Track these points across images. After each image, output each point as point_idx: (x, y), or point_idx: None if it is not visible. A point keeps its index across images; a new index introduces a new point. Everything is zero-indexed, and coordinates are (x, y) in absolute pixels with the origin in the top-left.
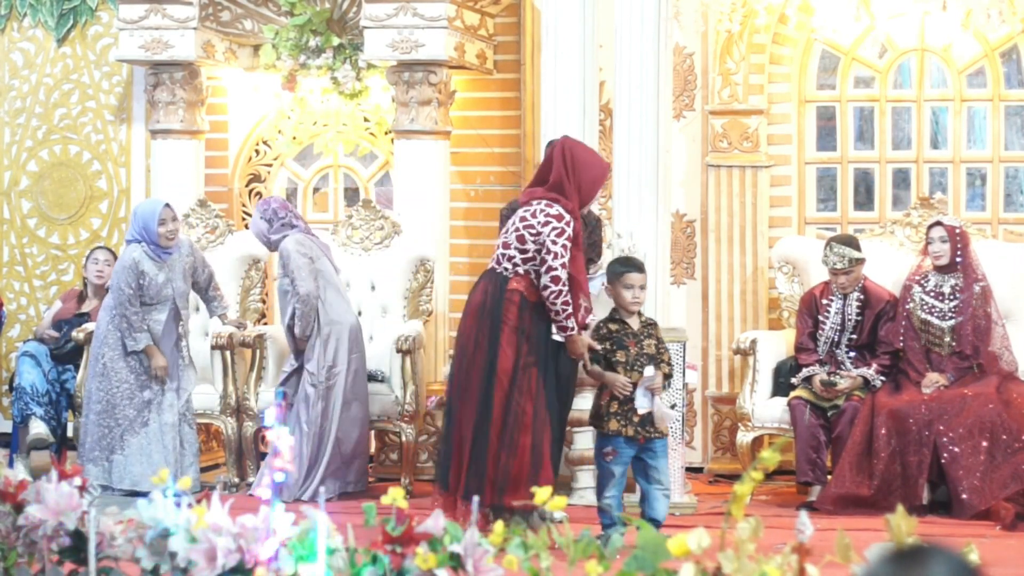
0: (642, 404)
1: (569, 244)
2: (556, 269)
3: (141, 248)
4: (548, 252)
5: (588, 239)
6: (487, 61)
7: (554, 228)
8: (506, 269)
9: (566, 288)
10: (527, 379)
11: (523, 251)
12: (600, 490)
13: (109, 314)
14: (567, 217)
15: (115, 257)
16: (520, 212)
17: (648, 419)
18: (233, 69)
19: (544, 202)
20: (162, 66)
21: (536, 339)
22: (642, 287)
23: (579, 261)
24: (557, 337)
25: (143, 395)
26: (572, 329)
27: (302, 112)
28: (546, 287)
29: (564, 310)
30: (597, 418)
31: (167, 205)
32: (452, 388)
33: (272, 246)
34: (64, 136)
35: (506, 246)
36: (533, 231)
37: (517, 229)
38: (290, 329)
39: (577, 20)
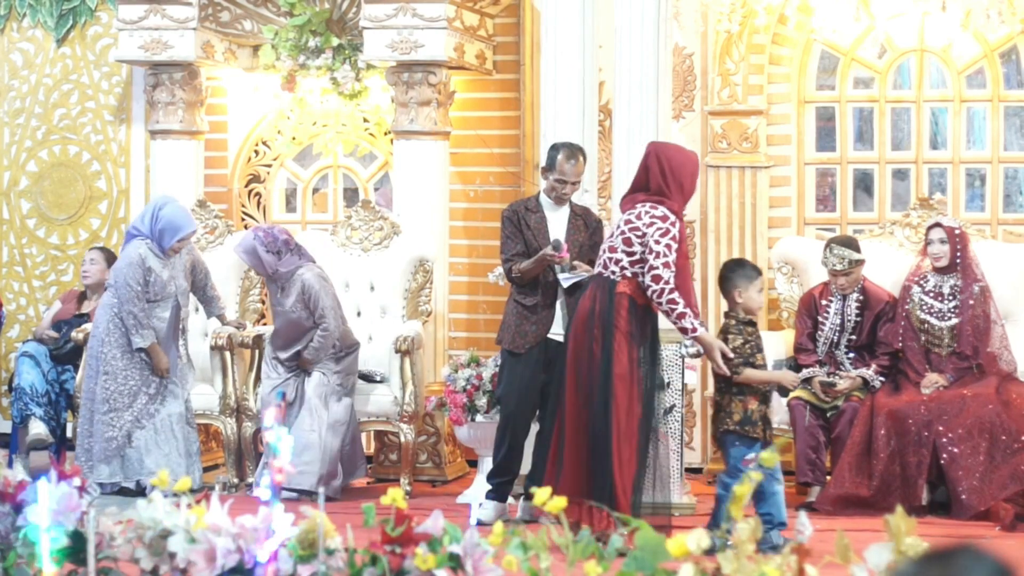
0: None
1: (674, 244)
2: (657, 268)
3: (146, 244)
4: (651, 252)
5: (589, 240)
6: (486, 62)
7: (658, 228)
8: (613, 273)
9: (669, 286)
10: (640, 382)
11: (630, 254)
12: (731, 495)
13: (109, 312)
14: (672, 218)
15: (104, 256)
16: (624, 216)
17: (769, 420)
18: (232, 69)
19: (649, 204)
20: (161, 66)
21: (645, 342)
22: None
23: (685, 269)
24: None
25: (148, 389)
26: (692, 329)
27: (301, 112)
28: (648, 287)
29: (672, 308)
30: (750, 424)
31: (195, 231)
32: (567, 395)
33: (279, 278)
34: (63, 136)
35: (612, 250)
36: (639, 233)
37: (623, 232)
38: (290, 350)
39: (576, 21)
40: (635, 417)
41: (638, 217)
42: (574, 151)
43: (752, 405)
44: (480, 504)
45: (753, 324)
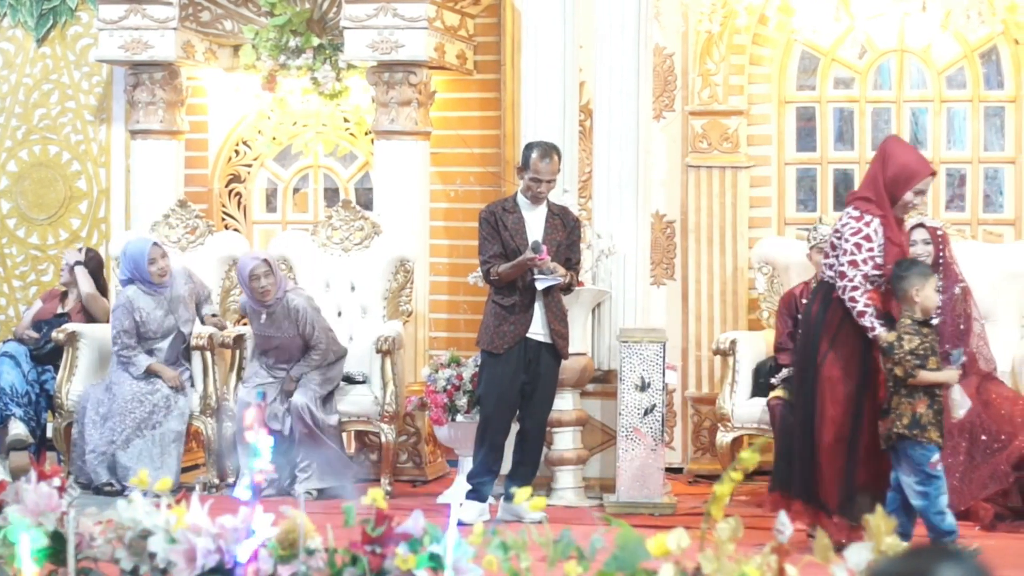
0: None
1: (864, 244)
2: (843, 265)
3: (135, 287)
4: (840, 250)
5: (567, 239)
6: (467, 62)
7: (850, 227)
8: (830, 277)
9: (851, 283)
10: (854, 385)
11: (836, 256)
12: (931, 501)
13: (112, 343)
14: (867, 218)
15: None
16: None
17: (940, 422)
18: (213, 69)
19: (851, 206)
20: (142, 66)
21: (851, 344)
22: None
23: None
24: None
25: (152, 399)
26: (870, 328)
27: (282, 112)
28: (836, 284)
29: (852, 307)
30: (919, 428)
31: (155, 244)
32: (797, 398)
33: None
34: (44, 136)
35: (826, 255)
36: (838, 235)
37: (832, 235)
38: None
39: (557, 21)
40: (842, 423)
41: (840, 219)
42: (548, 150)
43: (921, 408)
44: (460, 504)
45: (930, 325)
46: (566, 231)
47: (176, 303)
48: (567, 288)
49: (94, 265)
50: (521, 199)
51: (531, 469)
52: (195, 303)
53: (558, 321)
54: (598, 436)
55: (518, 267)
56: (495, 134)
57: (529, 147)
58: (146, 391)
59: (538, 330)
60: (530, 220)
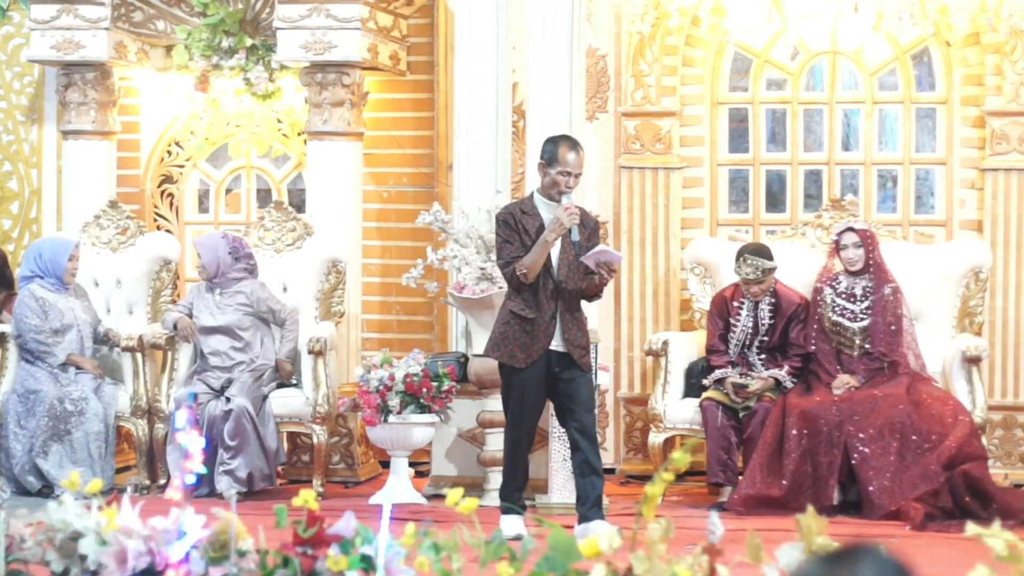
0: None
1: None
2: None
3: (38, 283)
4: None
5: (587, 242)
6: (400, 62)
7: None
8: None
9: None
10: None
11: None
12: None
13: (19, 348)
14: None
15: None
16: None
17: None
18: (145, 70)
19: None
20: (74, 66)
21: None
22: None
23: None
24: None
25: (63, 406)
26: None
27: (215, 113)
28: None
29: None
30: None
31: (77, 244)
32: None
33: (222, 283)
34: None
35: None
36: None
37: None
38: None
39: (490, 21)
40: None
41: None
42: (574, 142)
43: None
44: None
45: None
46: (586, 233)
47: (76, 303)
48: (592, 294)
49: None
50: (538, 199)
51: (599, 483)
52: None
53: (574, 331)
54: None
55: (542, 248)
56: (428, 135)
57: (553, 141)
58: (61, 394)
59: (558, 341)
60: (550, 222)
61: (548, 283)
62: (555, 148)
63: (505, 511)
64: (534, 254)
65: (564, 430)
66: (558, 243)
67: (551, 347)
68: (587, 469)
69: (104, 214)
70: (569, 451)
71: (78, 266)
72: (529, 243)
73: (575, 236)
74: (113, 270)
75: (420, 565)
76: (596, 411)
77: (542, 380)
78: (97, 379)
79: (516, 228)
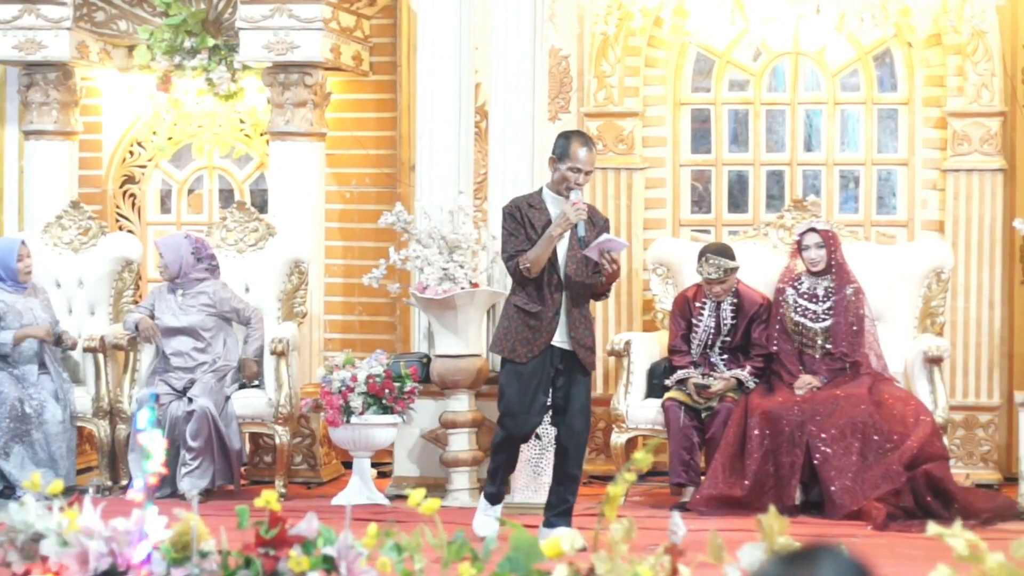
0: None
1: None
2: None
3: None
4: None
5: (596, 239)
6: (363, 63)
7: None
8: None
9: None
10: None
11: None
12: None
13: None
14: None
15: None
16: None
17: None
18: (107, 70)
19: None
20: (36, 67)
21: None
22: None
23: None
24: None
25: (24, 408)
26: None
27: (177, 113)
28: None
29: None
30: None
31: (23, 242)
32: None
33: (184, 284)
34: None
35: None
36: None
37: None
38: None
39: (453, 22)
40: None
41: None
42: (587, 139)
43: None
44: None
45: None
46: (595, 231)
47: (34, 303)
48: (600, 293)
49: None
50: (547, 194)
51: (572, 493)
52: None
53: (581, 329)
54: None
55: (548, 242)
56: (391, 135)
57: (566, 136)
58: (22, 396)
59: (563, 338)
60: (556, 217)
61: (553, 278)
62: (567, 143)
63: (487, 510)
64: (539, 248)
65: (554, 429)
66: (565, 239)
67: (554, 343)
68: (565, 477)
69: (66, 214)
70: (536, 452)
71: (30, 264)
72: (535, 237)
73: (582, 232)
74: (75, 270)
75: (382, 566)
76: (591, 417)
77: (542, 378)
78: (57, 381)
79: (522, 221)
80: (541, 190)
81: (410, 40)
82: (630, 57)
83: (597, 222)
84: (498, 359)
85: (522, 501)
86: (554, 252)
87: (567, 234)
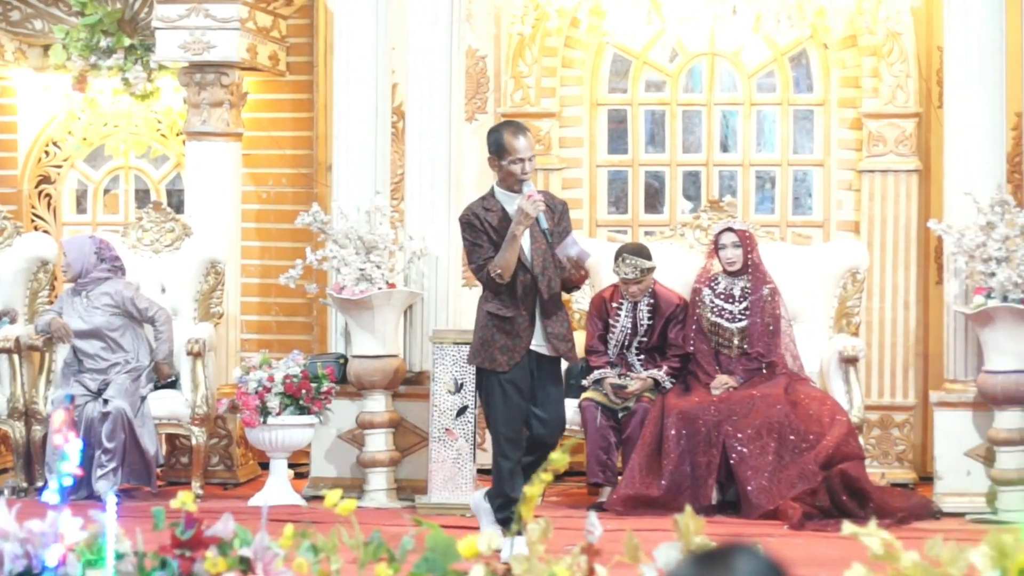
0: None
1: None
2: None
3: None
4: None
5: (556, 227)
6: (279, 63)
7: None
8: None
9: None
10: None
11: None
12: None
13: None
14: None
15: None
16: None
17: None
18: (22, 69)
19: None
20: None
21: None
22: None
23: None
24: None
25: None
26: None
27: (93, 113)
28: None
29: None
30: None
31: None
32: None
33: (86, 283)
34: None
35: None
36: None
37: None
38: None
39: (370, 22)
40: None
41: None
42: (518, 126)
43: None
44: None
45: None
46: (555, 216)
47: None
48: (572, 286)
49: None
50: (499, 192)
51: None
52: None
53: (556, 324)
54: (410, 438)
55: (512, 242)
56: (307, 136)
57: (497, 130)
58: None
59: (540, 341)
60: (514, 214)
61: (525, 277)
62: (501, 137)
63: (500, 524)
64: (505, 252)
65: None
66: (528, 234)
67: (532, 347)
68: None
69: None
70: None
71: None
72: (497, 240)
73: (543, 223)
74: None
75: (299, 567)
76: (565, 423)
77: (525, 383)
78: None
79: (481, 228)
80: (492, 190)
81: (327, 40)
82: (547, 58)
83: (556, 208)
84: (418, 359)
85: (440, 501)
86: (520, 250)
87: (529, 228)
